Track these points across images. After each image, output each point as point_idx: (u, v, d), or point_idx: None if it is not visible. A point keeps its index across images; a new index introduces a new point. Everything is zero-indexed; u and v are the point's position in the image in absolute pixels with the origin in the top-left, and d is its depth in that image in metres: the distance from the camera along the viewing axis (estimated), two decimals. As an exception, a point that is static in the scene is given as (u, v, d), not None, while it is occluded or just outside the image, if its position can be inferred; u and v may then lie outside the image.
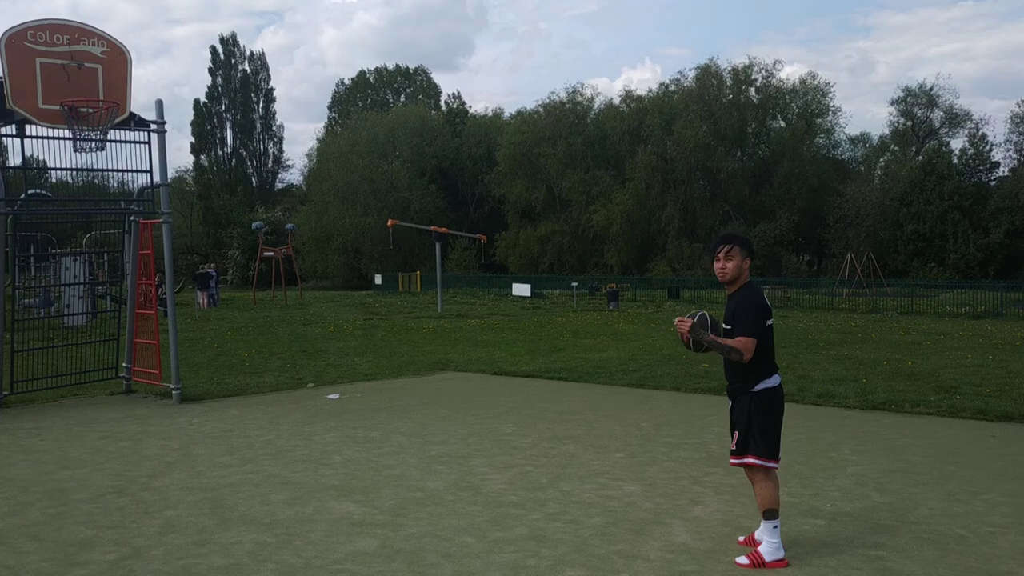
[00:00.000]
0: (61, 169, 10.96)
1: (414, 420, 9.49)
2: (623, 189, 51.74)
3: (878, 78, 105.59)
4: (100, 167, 11.01)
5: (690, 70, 56.97)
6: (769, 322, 4.90)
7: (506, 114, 66.85)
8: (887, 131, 56.23)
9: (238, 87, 72.00)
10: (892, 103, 55.38)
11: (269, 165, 74.91)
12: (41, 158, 10.76)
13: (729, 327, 4.93)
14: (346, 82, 78.64)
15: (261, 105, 73.28)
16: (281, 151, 75.64)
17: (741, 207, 51.45)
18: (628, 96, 56.57)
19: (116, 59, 10.26)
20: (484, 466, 7.27)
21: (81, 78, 9.94)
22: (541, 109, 57.48)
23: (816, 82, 53.49)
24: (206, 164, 72.21)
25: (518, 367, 14.03)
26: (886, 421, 9.28)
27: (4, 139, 10.66)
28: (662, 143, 51.55)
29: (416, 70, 78.02)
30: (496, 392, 11.58)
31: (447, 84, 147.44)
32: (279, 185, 76.03)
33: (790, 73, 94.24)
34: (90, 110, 9.92)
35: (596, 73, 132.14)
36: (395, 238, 41.93)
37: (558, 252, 54.97)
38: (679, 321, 4.96)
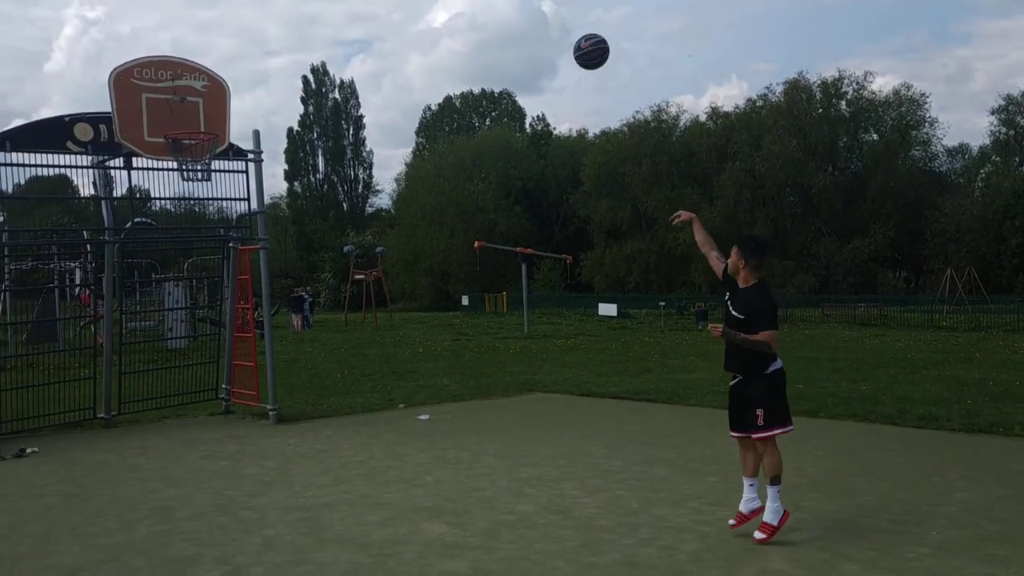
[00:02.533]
0: (164, 199, 11.45)
1: (503, 441, 9.52)
2: (711, 206, 51.01)
3: (977, 87, 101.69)
4: (201, 196, 11.48)
5: (778, 85, 55.79)
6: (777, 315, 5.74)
7: (590, 134, 66.81)
8: (988, 141, 54.10)
9: (329, 115, 73.96)
10: (993, 112, 53.19)
11: (359, 190, 76.58)
12: (145, 188, 11.29)
13: (742, 316, 5.77)
14: (432, 107, 79.91)
15: (351, 132, 75.07)
16: (371, 176, 77.26)
17: (833, 223, 50.13)
18: (714, 113, 55.91)
19: (216, 92, 10.69)
20: (575, 489, 7.24)
21: (183, 111, 10.38)
22: (626, 128, 57.26)
23: (911, 93, 51.84)
24: (299, 190, 74.26)
25: (606, 388, 13.93)
26: (994, 445, 8.87)
27: (111, 171, 11.23)
28: (750, 159, 50.69)
29: (501, 93, 78.80)
30: (584, 413, 11.53)
31: (532, 107, 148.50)
32: (369, 209, 77.59)
33: (883, 84, 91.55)
34: (192, 142, 10.34)
35: (681, 91, 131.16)
36: (482, 259, 42.24)
37: (644, 271, 54.49)
38: (712, 327, 5.81)
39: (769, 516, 5.64)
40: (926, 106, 52.03)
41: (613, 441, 9.39)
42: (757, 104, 54.69)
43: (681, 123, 57.25)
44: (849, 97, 51.36)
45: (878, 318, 32.03)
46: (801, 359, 18.28)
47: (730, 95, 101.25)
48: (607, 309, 37.51)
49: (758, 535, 5.61)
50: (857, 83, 51.28)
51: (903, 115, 51.56)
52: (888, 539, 5.68)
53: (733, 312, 5.86)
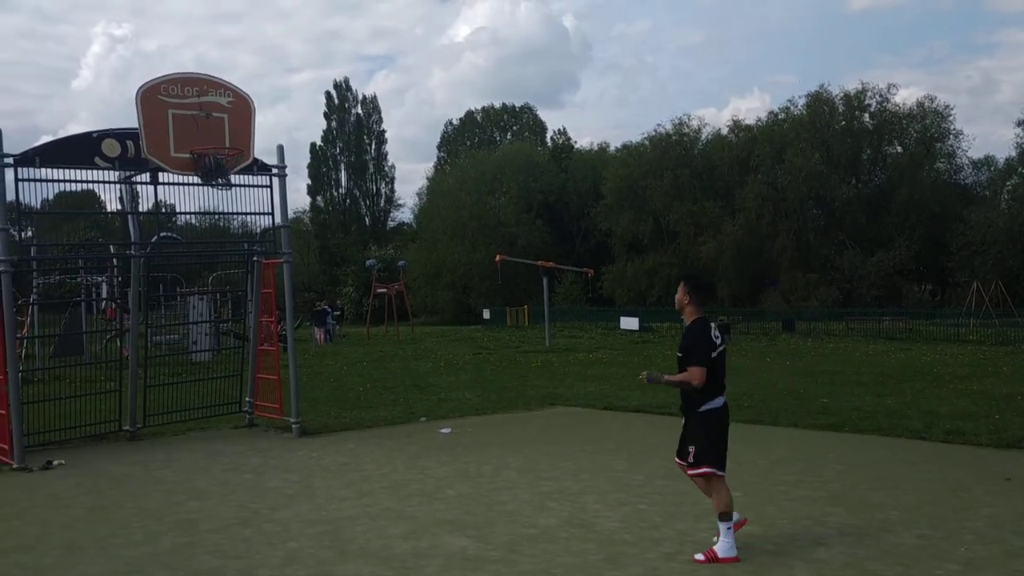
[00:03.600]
0: (189, 213, 11.58)
1: (525, 455, 9.50)
2: (733, 220, 50.80)
3: (1003, 98, 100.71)
4: (225, 210, 11.59)
5: (800, 97, 55.56)
6: (714, 353, 5.74)
7: (611, 148, 66.73)
8: (1014, 153, 53.36)
9: (352, 130, 74.44)
10: (1019, 124, 52.50)
11: (381, 204, 76.91)
12: (170, 202, 11.41)
13: (680, 354, 5.83)
14: (454, 122, 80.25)
15: (373, 147, 75.47)
16: (393, 191, 77.57)
17: (857, 236, 49.73)
18: (736, 126, 55.71)
19: (241, 108, 10.81)
20: (597, 503, 7.21)
21: (209, 127, 10.50)
22: (647, 142, 57.17)
23: (935, 105, 51.36)
24: (322, 205, 74.71)
25: (628, 402, 13.88)
26: (1022, 459, 8.75)
27: (137, 186, 11.36)
28: (773, 172, 50.44)
29: (522, 108, 79.00)
30: (606, 427, 11.49)
31: (553, 120, 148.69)
32: (391, 224, 77.87)
33: (906, 97, 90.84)
34: (218, 158, 10.46)
35: (703, 104, 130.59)
36: (503, 273, 42.24)
37: (666, 284, 54.16)
38: (641, 376, 5.96)
39: (719, 547, 5.67)
40: (950, 118, 51.54)
41: (635, 455, 9.35)
42: (779, 117, 54.46)
43: (703, 136, 57.11)
44: (872, 109, 51.01)
45: (903, 332, 31.69)
46: (825, 373, 18.13)
47: (752, 108, 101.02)
48: (629, 323, 37.38)
49: (698, 556, 5.66)
50: (880, 95, 50.95)
51: (927, 127, 51.12)
52: (915, 554, 5.61)
53: (678, 352, 5.96)
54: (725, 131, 56.29)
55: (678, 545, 5.92)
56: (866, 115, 51.19)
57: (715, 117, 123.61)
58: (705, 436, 5.76)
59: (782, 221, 50.58)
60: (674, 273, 53.44)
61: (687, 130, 56.56)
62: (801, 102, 52.70)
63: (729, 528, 5.67)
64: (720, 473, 5.75)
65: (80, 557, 6.03)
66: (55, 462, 9.65)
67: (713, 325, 5.95)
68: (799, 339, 31.18)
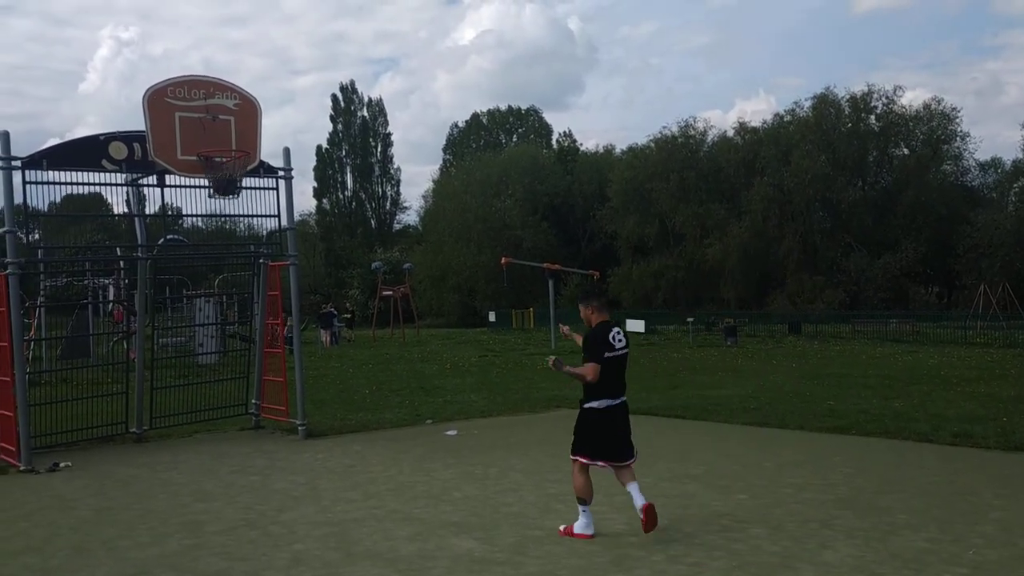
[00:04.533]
0: (196, 216, 11.61)
1: (531, 457, 9.50)
2: (739, 222, 50.74)
3: (1009, 100, 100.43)
4: (232, 213, 11.61)
5: (806, 100, 55.43)
6: (609, 355, 6.20)
7: (617, 150, 66.75)
8: (1021, 155, 53.23)
9: (357, 133, 74.57)
10: (1026, 126, 52.50)
11: (387, 207, 77.02)
12: (176, 205, 11.43)
13: (584, 353, 6.32)
14: (460, 124, 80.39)
15: (379, 149, 75.59)
16: (398, 193, 77.66)
17: (864, 238, 49.62)
18: (742, 128, 55.66)
19: (247, 110, 10.84)
20: (602, 505, 7.19)
21: (215, 129, 10.53)
22: (653, 144, 57.14)
23: (941, 107, 51.21)
24: (328, 207, 74.85)
25: (634, 404, 13.76)
26: (1032, 463, 8.71)
27: (143, 188, 11.38)
28: (779, 174, 50.37)
29: (528, 110, 79.06)
30: (613, 430, 11.46)
31: (558, 123, 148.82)
32: (397, 226, 77.98)
33: (912, 99, 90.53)
34: (223, 159, 10.48)
35: (709, 106, 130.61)
36: (508, 276, 42.23)
37: (672, 287, 54.23)
38: (548, 360, 6.44)
39: (576, 524, 6.30)
40: (957, 120, 51.42)
41: (641, 457, 9.28)
42: (785, 119, 54.38)
43: (709, 138, 57.06)
44: (878, 111, 50.90)
45: (910, 334, 31.59)
46: (832, 376, 18.09)
47: (758, 110, 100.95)
48: (635, 325, 37.30)
49: (561, 527, 6.38)
50: (887, 97, 50.84)
51: (934, 129, 50.99)
52: (923, 558, 5.59)
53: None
54: (731, 133, 56.28)
55: (685, 548, 5.91)
56: (872, 117, 51.09)
57: (721, 119, 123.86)
58: (580, 430, 6.32)
59: (788, 223, 50.51)
60: (680, 276, 53.51)
61: (693, 132, 56.55)
62: (807, 104, 52.65)
63: (584, 511, 6.28)
64: (584, 460, 6.26)
65: (87, 559, 6.04)
66: (62, 464, 9.67)
67: (617, 330, 6.37)
68: (805, 341, 31.11)
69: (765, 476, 8.23)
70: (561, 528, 6.38)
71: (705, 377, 18.35)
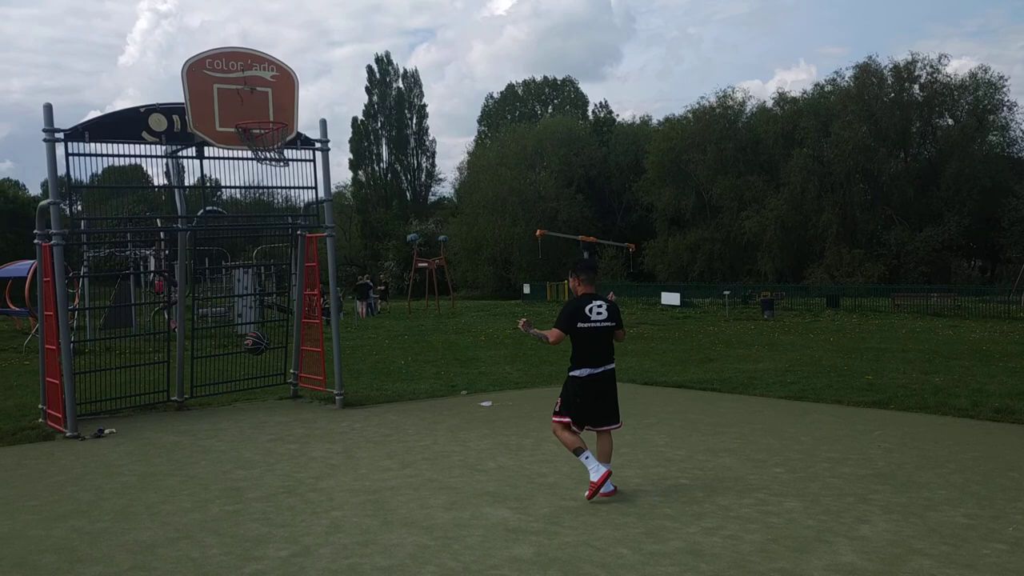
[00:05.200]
0: (234, 187, 11.71)
1: (566, 429, 9.52)
2: (777, 194, 50.12)
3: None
4: (269, 184, 11.69)
5: (847, 69, 54.44)
6: (582, 325, 6.49)
7: (654, 121, 66.08)
8: (1071, 125, 51.90)
9: (393, 104, 74.55)
10: (1077, 95, 51.02)
11: (422, 179, 77.10)
12: (214, 177, 11.53)
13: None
14: (495, 95, 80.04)
15: (414, 121, 75.55)
16: (433, 165, 77.67)
17: (905, 210, 48.79)
18: (781, 98, 54.82)
19: (284, 82, 10.87)
20: (637, 477, 7.22)
21: (253, 101, 10.59)
22: (690, 115, 56.53)
23: (988, 76, 49.99)
24: (363, 179, 75.09)
25: (669, 377, 13.84)
26: (1075, 440, 8.56)
27: (182, 160, 11.50)
28: (818, 145, 49.60)
29: (564, 81, 78.45)
30: (647, 402, 11.47)
31: (595, 94, 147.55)
32: (432, 198, 78.09)
33: (958, 68, 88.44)
34: (261, 131, 10.54)
35: (748, 76, 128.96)
36: (543, 248, 42.21)
37: (708, 260, 53.83)
38: (520, 322, 6.60)
39: (591, 477, 6.44)
40: (1004, 89, 50.19)
41: (676, 430, 9.33)
42: (826, 89, 53.49)
43: (747, 109, 56.33)
44: (923, 81, 49.79)
45: (951, 308, 31.11)
46: (870, 350, 17.89)
47: (798, 80, 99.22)
48: (670, 298, 37.17)
49: (587, 494, 6.47)
50: (931, 66, 49.69)
51: (980, 99, 49.78)
52: (962, 534, 5.54)
53: None
54: (770, 104, 55.50)
55: (720, 520, 5.91)
56: (916, 86, 50.01)
57: (760, 89, 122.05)
58: (564, 395, 6.62)
59: (828, 195, 49.79)
60: (716, 248, 53.05)
61: (731, 103, 55.84)
62: (848, 74, 51.72)
63: (587, 457, 6.44)
64: (563, 421, 6.55)
65: (132, 522, 6.19)
66: (106, 431, 9.89)
67: (597, 304, 6.56)
68: (844, 315, 30.76)
69: (801, 450, 8.19)
70: (587, 495, 6.46)
71: (741, 350, 18.23)
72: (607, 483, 6.42)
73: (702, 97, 62.34)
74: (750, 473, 7.29)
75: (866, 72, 50.07)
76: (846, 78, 51.65)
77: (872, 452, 8.03)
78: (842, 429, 9.23)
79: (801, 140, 50.37)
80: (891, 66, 50.10)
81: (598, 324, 6.52)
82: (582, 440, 6.52)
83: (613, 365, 6.62)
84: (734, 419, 9.99)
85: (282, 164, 10.79)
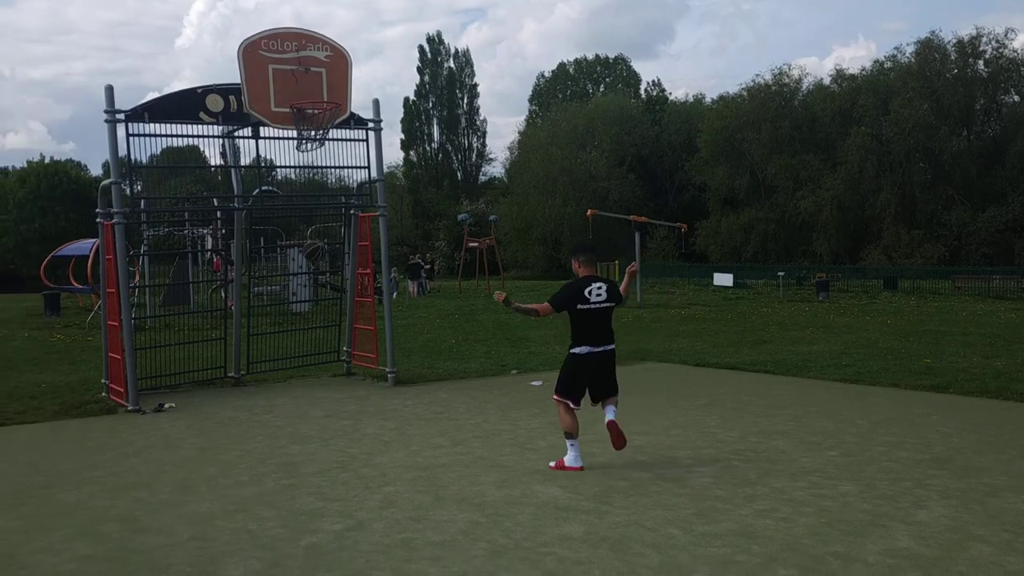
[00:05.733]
0: (290, 167, 11.85)
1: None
2: (833, 173, 49.13)
3: None
4: (323, 164, 11.81)
5: (908, 45, 53.17)
6: (581, 306, 6.70)
7: (707, 99, 65.12)
8: None
9: (444, 84, 74.59)
10: None
11: (473, 159, 77.12)
12: (268, 157, 11.68)
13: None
14: (546, 74, 79.60)
15: (465, 101, 75.52)
16: (484, 145, 77.59)
17: (967, 190, 47.47)
18: (839, 75, 53.60)
19: (338, 62, 10.94)
20: (689, 458, 7.19)
21: (307, 81, 10.68)
22: (745, 93, 55.58)
23: (1057, 51, 48.28)
24: (415, 159, 75.41)
25: (721, 359, 13.72)
26: None
27: (238, 140, 11.66)
28: (877, 124, 48.43)
29: (616, 59, 77.70)
30: (699, 384, 11.39)
31: (647, 72, 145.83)
32: (482, 178, 78.10)
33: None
34: (315, 111, 10.64)
35: (804, 53, 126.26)
36: (594, 228, 42.01)
37: (762, 240, 53.06)
38: (497, 294, 6.91)
39: (566, 457, 6.88)
40: (1075, 64, 48.40)
41: (728, 412, 9.26)
42: (885, 65, 52.15)
43: (804, 86, 55.19)
44: (987, 56, 48.24)
45: (1014, 291, 30.25)
46: (929, 333, 17.52)
47: (856, 56, 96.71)
48: (722, 279, 36.73)
49: (551, 463, 6.97)
50: (997, 41, 48.12)
51: (1049, 75, 48.12)
52: (1023, 520, 5.42)
53: None
54: (827, 81, 54.31)
55: (773, 503, 5.86)
56: (980, 62, 48.50)
57: (817, 67, 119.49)
58: (562, 372, 6.92)
59: (886, 175, 48.66)
60: (771, 229, 52.23)
61: (787, 80, 54.76)
62: (909, 49, 50.34)
63: (572, 445, 6.85)
64: (563, 401, 6.84)
65: (192, 495, 6.35)
66: (166, 405, 10.14)
67: (596, 286, 6.76)
68: (902, 297, 30.14)
69: (857, 433, 8.07)
70: (552, 464, 6.94)
71: (795, 332, 17.99)
72: (611, 411, 6.89)
73: (757, 75, 61.28)
74: (804, 455, 7.21)
75: (928, 48, 48.68)
76: (907, 54, 50.35)
77: (930, 436, 7.88)
78: (899, 413, 9.07)
79: (859, 118, 49.23)
80: (954, 41, 48.66)
81: (597, 305, 6.75)
82: (578, 428, 6.86)
83: (613, 346, 6.86)
84: (787, 401, 9.88)
85: (318, 145, 10.85)
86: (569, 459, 6.86)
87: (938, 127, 46.67)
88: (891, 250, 46.73)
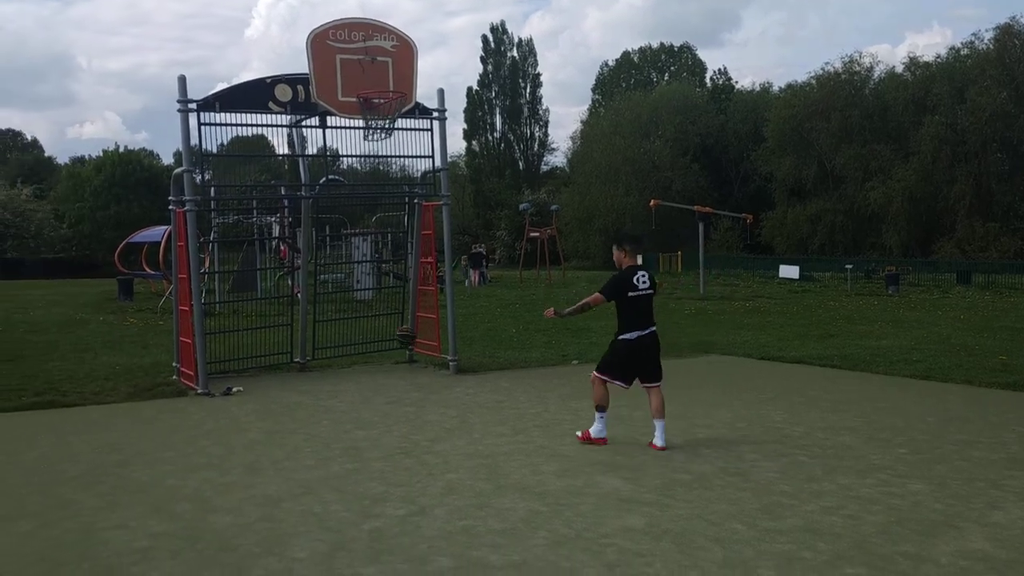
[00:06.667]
0: (357, 156, 11.97)
1: (678, 402, 9.40)
2: (905, 164, 47.77)
3: None
4: (387, 154, 11.92)
5: (986, 31, 51.16)
6: (632, 294, 7.24)
7: (775, 88, 63.85)
8: None
9: (507, 74, 74.60)
10: None
11: (535, 149, 77.05)
12: (333, 147, 11.83)
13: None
14: (610, 63, 78.99)
15: (528, 90, 75.43)
16: (546, 135, 77.49)
17: (1048, 182, 45.72)
18: (912, 63, 52.01)
19: (404, 52, 11.02)
20: (753, 453, 7.09)
21: (374, 71, 10.78)
22: (813, 81, 54.33)
23: None
24: (477, 149, 75.65)
25: (786, 352, 13.48)
26: None
27: (304, 130, 11.84)
28: (952, 113, 46.91)
29: (681, 47, 76.74)
30: (764, 377, 11.22)
31: (713, 60, 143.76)
32: (544, 168, 77.99)
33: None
34: (381, 100, 10.73)
35: (876, 40, 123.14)
36: (656, 218, 41.63)
37: (830, 232, 51.89)
38: (546, 312, 7.85)
39: (593, 428, 7.38)
40: None
41: (794, 406, 9.10)
42: (962, 53, 50.41)
43: (875, 75, 53.70)
44: (1072, 42, 46.33)
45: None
46: (1004, 329, 16.96)
47: (931, 43, 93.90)
48: (788, 271, 36.10)
49: (578, 433, 7.54)
50: (1083, 26, 46.15)
51: None
52: (1105, 525, 5.22)
53: None
54: (900, 69, 52.75)
55: (839, 500, 5.74)
56: (1065, 49, 46.54)
57: (889, 54, 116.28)
58: (611, 355, 7.36)
59: (960, 165, 47.13)
60: (839, 220, 51.08)
61: (858, 68, 53.34)
62: (987, 36, 48.51)
63: (601, 418, 7.34)
64: (604, 379, 7.31)
65: (259, 476, 6.49)
66: (234, 389, 10.37)
67: (641, 275, 7.31)
68: (976, 292, 29.23)
69: (928, 431, 7.86)
70: (579, 433, 7.49)
71: (863, 327, 17.58)
72: (658, 438, 7.19)
73: (826, 63, 59.82)
74: (872, 452, 7.05)
75: (1007, 34, 46.90)
76: (985, 40, 48.56)
77: (1006, 436, 7.64)
78: (972, 410, 8.81)
79: (933, 107, 47.74)
80: (1035, 27, 46.78)
81: (643, 292, 7.30)
82: (608, 401, 7.38)
83: (655, 328, 7.40)
84: (855, 397, 9.67)
85: (385, 135, 10.94)
86: (595, 430, 7.35)
87: (1017, 116, 45.01)
88: (965, 243, 45.30)
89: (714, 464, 6.71)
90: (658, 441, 7.16)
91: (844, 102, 51.11)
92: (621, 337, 7.28)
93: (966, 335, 15.74)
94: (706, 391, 10.07)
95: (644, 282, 7.33)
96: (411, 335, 10.80)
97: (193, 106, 10.31)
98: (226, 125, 10.62)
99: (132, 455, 7.21)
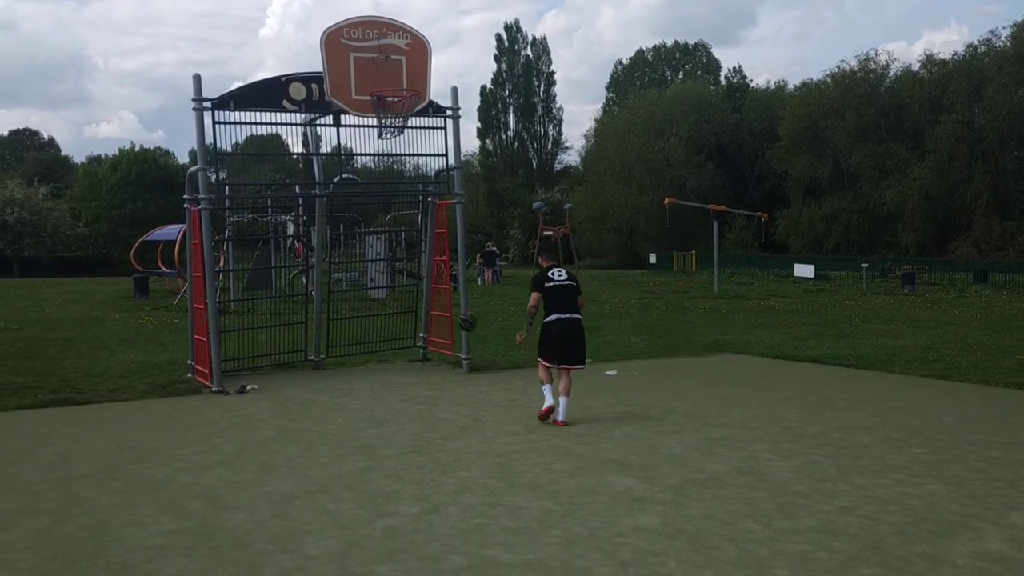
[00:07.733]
0: (370, 155, 11.99)
1: (692, 400, 9.39)
2: (921, 162, 47.42)
3: None
4: (401, 152, 11.93)
5: (1004, 28, 50.72)
6: (548, 284, 8.38)
7: (790, 86, 63.48)
8: None
9: (521, 72, 74.57)
10: None
11: (549, 147, 77.01)
12: (347, 145, 11.85)
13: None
14: (624, 62, 78.86)
15: (542, 89, 75.38)
16: (560, 133, 77.43)
17: (1066, 180, 45.30)
18: (929, 60, 51.59)
19: (418, 51, 11.02)
20: (768, 452, 7.05)
21: (387, 69, 10.78)
22: (829, 79, 53.99)
23: None
24: (490, 148, 75.65)
25: (801, 351, 13.41)
26: None
27: (319, 128, 11.85)
28: (969, 111, 46.52)
29: (695, 46, 76.48)
30: (778, 376, 11.16)
31: (727, 58, 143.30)
32: (558, 166, 77.94)
33: None
34: (395, 99, 10.74)
35: (892, 38, 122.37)
36: (671, 217, 41.53)
37: (845, 231, 51.59)
38: (518, 339, 8.95)
39: (545, 401, 8.29)
40: None
41: (809, 406, 9.05)
42: (979, 50, 49.98)
43: (891, 73, 53.28)
44: (1091, 39, 45.84)
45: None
46: (1022, 329, 16.82)
47: (948, 41, 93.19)
48: (803, 270, 35.94)
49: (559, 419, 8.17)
50: (1101, 23, 45.66)
51: None
52: (1125, 527, 5.16)
53: None
54: (916, 67, 52.31)
55: (855, 500, 5.70)
56: (1083, 46, 46.05)
57: (905, 52, 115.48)
58: (541, 337, 8.40)
59: (977, 164, 46.76)
60: (854, 219, 50.78)
61: (873, 66, 52.97)
62: (1005, 33, 48.07)
63: (547, 389, 8.25)
64: (543, 362, 8.37)
65: (273, 474, 6.51)
66: (249, 387, 10.41)
67: (557, 270, 8.51)
68: (993, 291, 29.00)
69: (944, 430, 7.80)
70: (538, 414, 8.28)
71: (879, 326, 17.48)
72: (559, 413, 8.11)
73: (842, 61, 59.51)
74: (888, 452, 7.00)
75: (1026, 31, 46.50)
76: (1002, 38, 48.13)
77: (1023, 436, 7.56)
78: (989, 410, 8.74)
79: (950, 105, 47.38)
80: (1055, 23, 46.34)
81: (559, 282, 8.39)
82: (551, 377, 8.30)
83: (579, 316, 8.36)
84: (871, 396, 9.60)
85: (398, 133, 10.95)
86: (545, 399, 8.25)
87: (1035, 114, 44.62)
88: (982, 242, 44.93)
89: (728, 463, 6.67)
90: (560, 416, 8.08)
91: (860, 100, 50.78)
92: (544, 320, 8.32)
93: (983, 335, 15.61)
94: (720, 390, 10.03)
95: (560, 275, 8.46)
96: (473, 320, 10.98)
97: (208, 105, 10.35)
98: (241, 124, 10.67)
99: (146, 452, 7.24)
